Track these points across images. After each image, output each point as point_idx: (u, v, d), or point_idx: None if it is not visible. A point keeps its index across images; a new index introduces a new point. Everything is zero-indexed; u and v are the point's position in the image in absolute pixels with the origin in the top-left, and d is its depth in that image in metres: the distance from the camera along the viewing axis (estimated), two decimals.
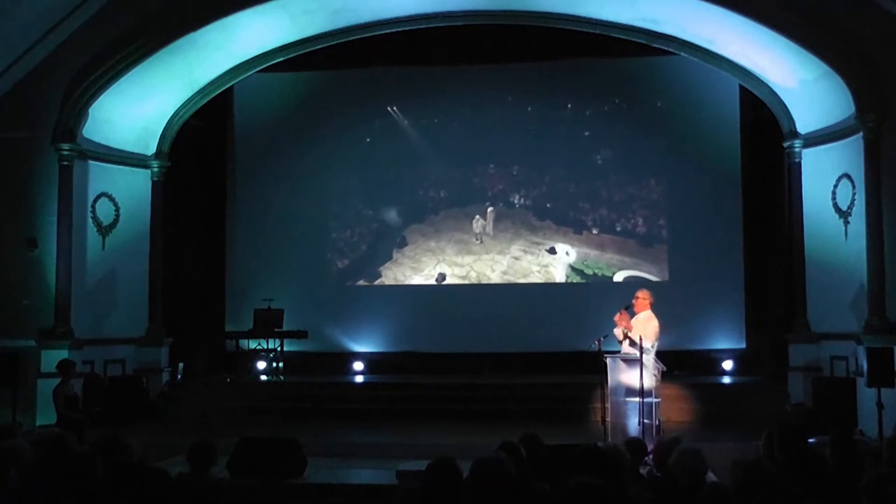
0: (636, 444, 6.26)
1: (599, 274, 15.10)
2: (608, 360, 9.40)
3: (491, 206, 15.45)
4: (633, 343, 9.24)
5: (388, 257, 15.68)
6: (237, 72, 13.84)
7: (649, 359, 9.13)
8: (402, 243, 15.69)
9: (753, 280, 14.52)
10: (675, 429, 10.25)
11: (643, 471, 5.93)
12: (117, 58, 12.50)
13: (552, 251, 15.25)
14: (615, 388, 9.31)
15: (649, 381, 9.06)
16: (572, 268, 15.22)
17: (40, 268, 12.47)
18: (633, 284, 14.12)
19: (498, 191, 15.49)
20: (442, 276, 15.49)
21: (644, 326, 9.39)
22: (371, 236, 15.74)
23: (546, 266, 15.30)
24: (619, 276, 15.06)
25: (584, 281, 15.12)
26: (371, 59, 14.73)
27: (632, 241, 15.09)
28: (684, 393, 12.07)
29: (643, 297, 9.63)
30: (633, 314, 9.60)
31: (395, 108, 15.60)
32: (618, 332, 9.53)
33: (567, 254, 15.23)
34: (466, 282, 15.45)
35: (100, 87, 12.59)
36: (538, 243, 15.34)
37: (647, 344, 9.07)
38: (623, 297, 10.24)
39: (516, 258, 15.38)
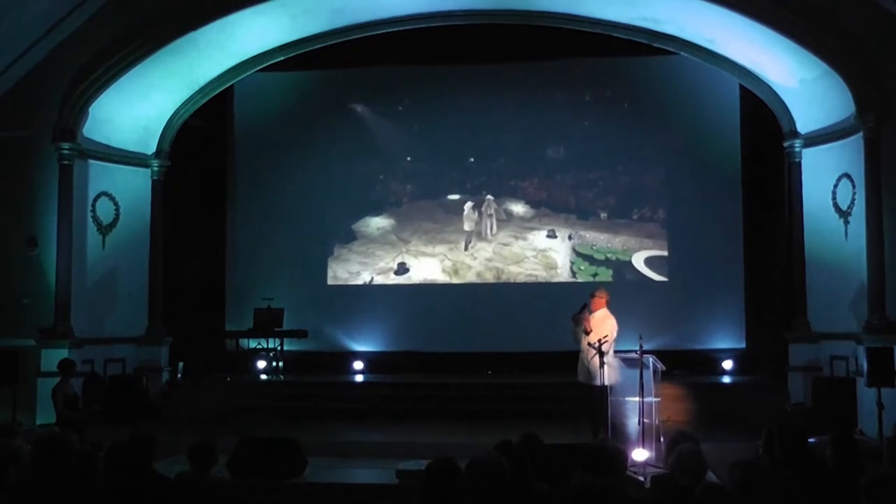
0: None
1: (614, 258, 15.06)
2: (607, 360, 9.41)
3: (489, 195, 15.40)
4: (591, 344, 9.50)
5: (389, 255, 15.66)
6: (237, 71, 13.85)
7: (609, 357, 9.35)
8: (404, 241, 15.68)
9: (753, 280, 14.52)
10: (675, 429, 10.23)
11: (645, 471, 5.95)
12: (117, 57, 12.51)
13: (552, 234, 15.22)
14: (614, 388, 9.34)
15: (613, 378, 9.31)
16: (577, 252, 15.21)
17: (40, 267, 12.48)
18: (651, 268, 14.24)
19: (497, 187, 15.48)
20: (403, 268, 15.48)
21: (602, 325, 9.63)
22: (371, 235, 15.72)
23: (544, 251, 15.26)
24: (637, 259, 15.03)
25: (591, 267, 15.08)
26: (371, 58, 14.72)
27: (631, 241, 15.08)
28: (684, 393, 12.06)
29: (600, 296, 9.93)
30: (589, 312, 9.81)
31: (361, 106, 15.58)
32: (578, 331, 9.70)
33: (570, 237, 15.20)
34: (451, 276, 15.43)
35: (100, 87, 12.60)
36: (532, 229, 15.32)
37: (607, 346, 9.27)
38: (622, 297, 10.29)
39: (505, 244, 15.35)
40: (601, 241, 15.14)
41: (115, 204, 13.39)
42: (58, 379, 10.38)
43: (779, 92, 12.87)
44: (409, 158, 15.72)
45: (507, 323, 14.68)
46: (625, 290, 13.71)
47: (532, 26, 13.45)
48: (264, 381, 14.19)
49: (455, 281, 15.46)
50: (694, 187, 14.77)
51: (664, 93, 14.91)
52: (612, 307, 10.10)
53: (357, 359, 14.96)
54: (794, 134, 12.84)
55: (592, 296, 9.95)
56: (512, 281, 15.33)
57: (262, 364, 14.48)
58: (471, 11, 13.20)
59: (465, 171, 15.56)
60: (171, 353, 13.94)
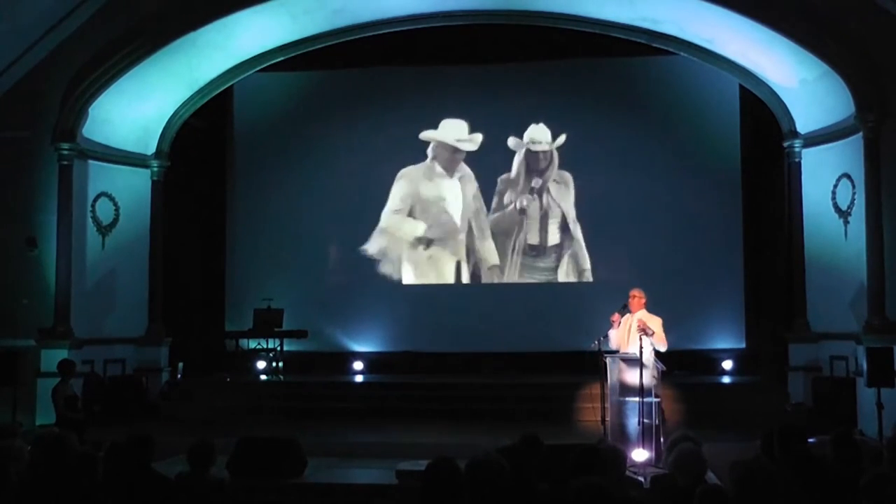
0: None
1: (613, 257, 14.93)
2: (608, 360, 9.38)
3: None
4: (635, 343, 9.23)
5: (387, 255, 15.65)
6: (237, 71, 13.86)
7: (650, 358, 9.10)
8: (404, 240, 15.67)
9: (753, 280, 14.51)
10: (674, 429, 10.23)
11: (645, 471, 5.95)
12: (117, 57, 12.51)
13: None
14: (615, 388, 9.29)
15: (650, 380, 9.03)
16: (576, 251, 15.21)
17: (40, 267, 12.48)
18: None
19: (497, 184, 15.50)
20: (403, 268, 15.46)
21: (651, 324, 9.35)
22: (370, 235, 15.71)
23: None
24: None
25: (585, 280, 15.10)
26: (371, 58, 14.73)
27: (630, 242, 15.06)
28: (684, 393, 12.05)
29: (639, 296, 9.52)
30: (628, 313, 9.58)
31: (361, 106, 15.48)
32: (612, 333, 9.51)
33: (569, 236, 15.20)
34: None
35: (100, 87, 12.60)
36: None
37: (662, 347, 9.06)
38: (622, 297, 10.20)
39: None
40: (600, 240, 15.13)
41: (115, 204, 13.40)
42: (58, 379, 10.38)
43: (779, 92, 12.87)
44: (408, 158, 15.70)
45: (507, 323, 14.66)
46: (625, 290, 13.64)
47: (532, 26, 13.46)
48: (264, 381, 14.19)
49: (455, 281, 15.44)
50: (694, 187, 14.75)
51: (664, 93, 14.91)
52: (613, 306, 9.99)
53: (357, 359, 14.96)
54: (794, 134, 12.85)
55: (632, 297, 9.54)
56: (512, 281, 15.32)
57: (261, 364, 14.48)
58: (471, 11, 13.20)
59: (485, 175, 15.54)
60: (171, 353, 13.95)
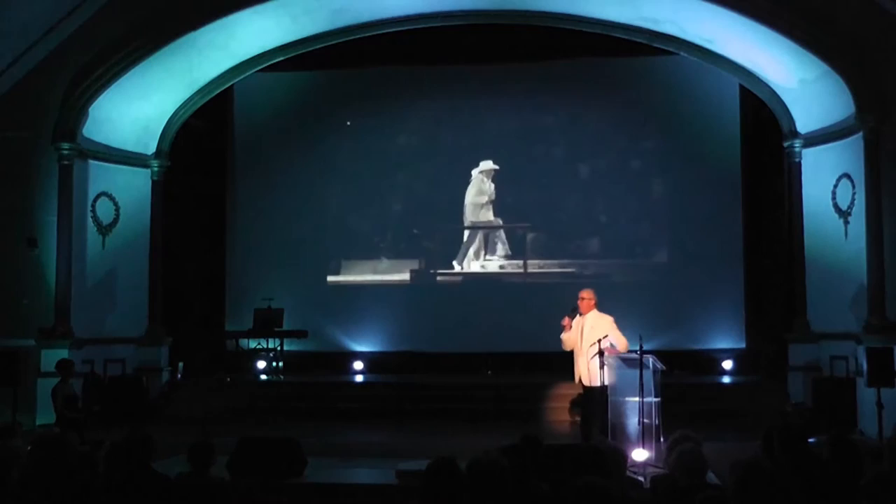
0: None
1: (614, 257, 15.00)
2: (607, 360, 9.36)
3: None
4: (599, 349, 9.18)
5: (388, 256, 15.67)
6: (237, 71, 13.86)
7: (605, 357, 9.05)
8: (401, 240, 15.68)
9: (753, 280, 14.52)
10: (674, 429, 10.21)
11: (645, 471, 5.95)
12: (117, 57, 12.51)
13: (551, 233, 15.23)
14: (614, 388, 9.27)
15: (610, 379, 9.00)
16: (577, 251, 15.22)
17: (40, 267, 12.48)
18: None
19: (497, 187, 15.50)
20: (403, 268, 15.46)
21: (601, 326, 9.25)
22: (371, 234, 15.71)
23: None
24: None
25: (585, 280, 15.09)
26: (371, 58, 14.73)
27: (631, 242, 15.07)
28: (684, 393, 12.05)
29: (588, 297, 9.41)
30: (580, 315, 9.44)
31: (361, 106, 15.49)
32: (565, 336, 9.46)
33: (570, 236, 15.20)
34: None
35: (100, 87, 12.60)
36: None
37: (620, 346, 9.06)
38: (622, 297, 10.21)
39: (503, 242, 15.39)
40: (601, 240, 15.13)
41: (115, 204, 13.39)
42: (58, 379, 10.37)
43: (779, 92, 12.87)
44: (408, 158, 15.70)
45: (506, 323, 14.65)
46: (625, 290, 13.69)
47: (532, 26, 13.46)
48: (264, 381, 14.19)
49: (455, 280, 15.44)
50: (694, 187, 14.75)
51: (664, 93, 14.91)
52: (614, 307, 9.95)
53: (357, 359, 14.96)
54: (794, 134, 12.84)
55: (581, 298, 9.47)
56: (513, 282, 15.32)
57: (262, 364, 14.49)
58: (471, 11, 13.20)
59: (465, 170, 15.52)
60: (171, 353, 13.95)
